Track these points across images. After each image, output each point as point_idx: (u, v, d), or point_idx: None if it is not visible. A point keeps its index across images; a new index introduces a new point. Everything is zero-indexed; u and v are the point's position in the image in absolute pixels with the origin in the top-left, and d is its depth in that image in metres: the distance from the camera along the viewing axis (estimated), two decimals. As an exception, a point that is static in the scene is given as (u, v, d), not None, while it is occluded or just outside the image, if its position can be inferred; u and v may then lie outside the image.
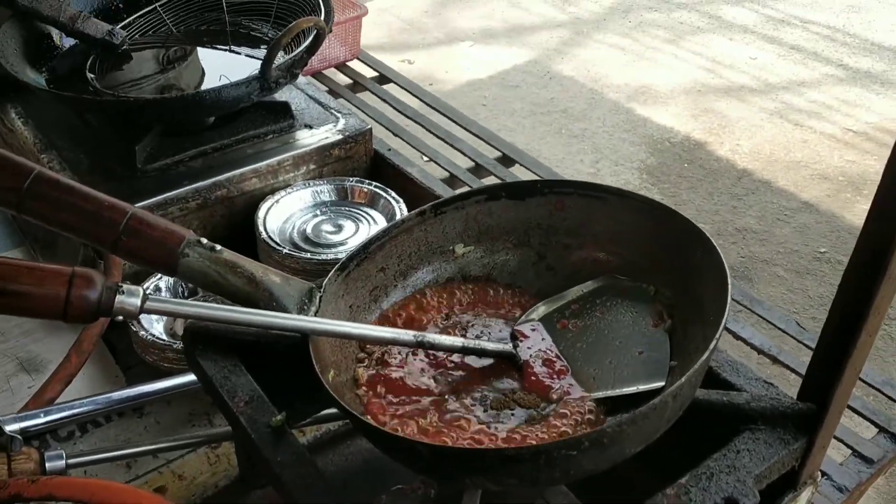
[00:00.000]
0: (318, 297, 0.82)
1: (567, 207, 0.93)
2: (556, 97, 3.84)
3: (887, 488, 2.07)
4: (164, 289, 1.17)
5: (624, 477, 0.84)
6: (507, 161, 1.61)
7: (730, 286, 0.76)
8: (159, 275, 1.17)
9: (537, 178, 1.60)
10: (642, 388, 0.79)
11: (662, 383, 0.79)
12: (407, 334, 0.80)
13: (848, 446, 1.09)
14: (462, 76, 3.98)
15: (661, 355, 0.82)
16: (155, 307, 0.76)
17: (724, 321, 0.73)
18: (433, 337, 0.80)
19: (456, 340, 0.81)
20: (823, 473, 1.06)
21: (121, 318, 0.65)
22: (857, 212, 3.17)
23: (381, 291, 0.89)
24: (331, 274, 0.84)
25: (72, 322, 0.73)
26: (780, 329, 1.27)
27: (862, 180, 3.32)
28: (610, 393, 0.80)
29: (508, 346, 0.83)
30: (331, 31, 1.19)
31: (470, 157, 1.61)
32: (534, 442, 0.74)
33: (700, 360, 0.70)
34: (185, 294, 1.18)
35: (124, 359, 1.16)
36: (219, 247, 0.80)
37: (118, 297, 0.73)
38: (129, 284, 0.75)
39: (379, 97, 1.83)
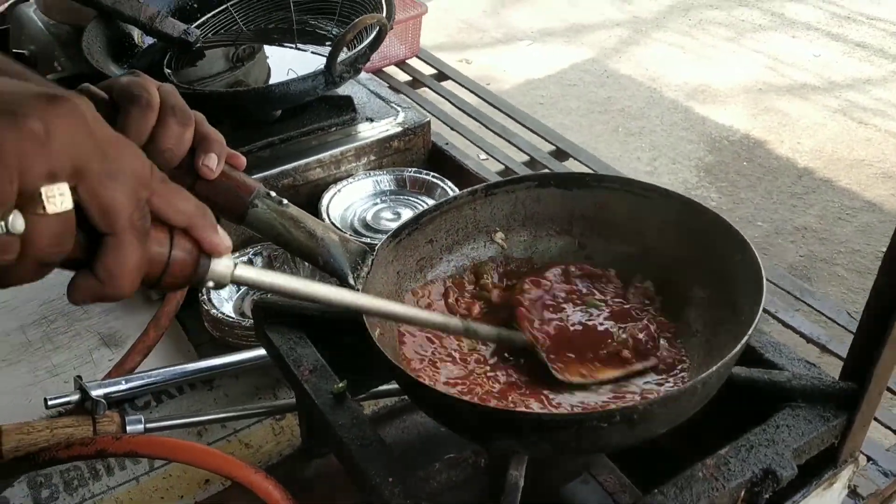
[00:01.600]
0: (370, 260, 0.86)
1: (612, 202, 0.96)
2: (613, 96, 3.86)
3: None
4: (233, 271, 1.24)
5: (669, 451, 0.88)
6: (561, 155, 1.65)
7: (764, 289, 0.78)
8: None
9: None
10: None
11: None
12: (455, 321, 0.84)
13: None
14: (520, 75, 4.03)
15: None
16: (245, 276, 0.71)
17: (757, 318, 0.75)
18: (477, 325, 0.86)
19: (492, 331, 0.86)
20: (869, 458, 1.08)
21: (212, 284, 0.66)
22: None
23: (427, 262, 0.94)
24: (384, 240, 0.90)
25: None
26: (830, 319, 1.28)
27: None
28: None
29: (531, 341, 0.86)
30: (391, 28, 1.24)
31: (525, 152, 1.66)
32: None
33: (732, 351, 0.73)
34: (253, 276, 1.25)
35: (195, 336, 1.23)
36: (286, 201, 0.82)
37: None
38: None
39: (437, 93, 1.88)
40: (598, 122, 3.71)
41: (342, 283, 0.86)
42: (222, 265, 0.63)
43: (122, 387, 1.01)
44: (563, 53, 4.20)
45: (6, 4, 1.93)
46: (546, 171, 1.59)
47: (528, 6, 4.67)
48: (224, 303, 1.21)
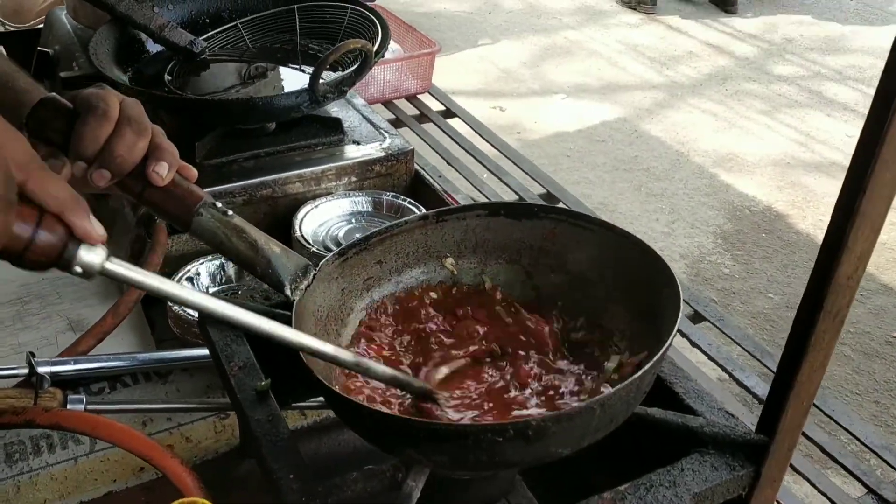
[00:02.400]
0: (311, 275, 0.89)
1: (559, 233, 0.99)
2: (640, 155, 3.88)
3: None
4: (203, 273, 1.28)
5: (593, 488, 0.89)
6: (550, 198, 1.68)
7: (680, 315, 0.80)
8: (201, 260, 1.28)
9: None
10: None
11: None
12: (346, 354, 0.81)
13: (832, 502, 1.09)
14: (550, 127, 4.07)
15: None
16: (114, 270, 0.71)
17: (665, 347, 0.76)
18: (369, 363, 0.83)
19: (387, 370, 0.83)
20: (800, 523, 1.07)
21: (80, 270, 0.67)
22: (935, 301, 3.06)
23: (375, 282, 0.97)
24: (329, 256, 0.92)
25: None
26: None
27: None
28: None
29: (429, 388, 0.86)
30: (382, 56, 1.29)
31: (515, 191, 1.68)
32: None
33: (634, 376, 0.74)
34: (222, 280, 1.29)
35: (161, 333, 1.27)
36: (231, 212, 0.87)
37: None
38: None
39: (441, 128, 1.93)
40: (621, 180, 3.72)
41: (279, 292, 0.89)
42: (92, 254, 0.66)
43: (70, 367, 1.05)
44: (595, 110, 4.24)
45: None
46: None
47: (567, 62, 4.73)
48: (190, 302, 1.25)
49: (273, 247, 0.89)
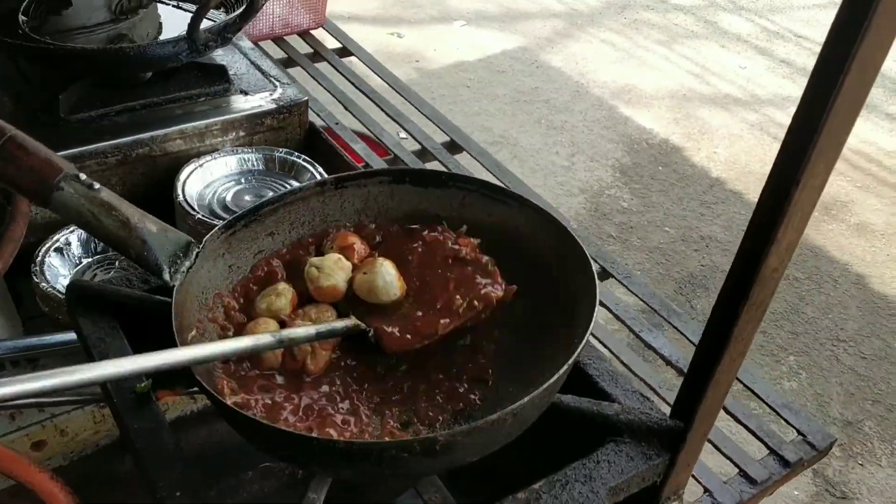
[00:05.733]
0: (194, 253, 0.80)
1: (468, 204, 0.92)
2: (540, 87, 3.82)
3: None
4: (75, 242, 1.16)
5: (505, 471, 0.85)
6: (454, 148, 1.60)
7: (593, 321, 0.75)
8: (72, 227, 1.16)
9: (479, 167, 1.59)
10: None
11: None
12: (265, 338, 0.75)
13: (735, 464, 1.10)
14: (450, 56, 3.96)
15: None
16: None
17: (578, 350, 0.72)
18: (289, 332, 0.77)
19: (310, 330, 0.78)
20: (705, 489, 1.07)
21: None
22: (823, 231, 3.17)
23: (266, 256, 0.88)
24: (214, 231, 0.83)
25: None
26: (693, 344, 1.27)
27: (832, 201, 3.33)
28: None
29: (353, 321, 0.81)
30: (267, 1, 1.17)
31: (418, 140, 1.60)
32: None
33: (545, 384, 0.69)
34: (97, 249, 1.17)
35: (28, 309, 1.15)
36: (98, 185, 0.76)
37: None
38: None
39: (337, 69, 1.81)
40: (522, 112, 3.67)
41: (157, 278, 0.79)
42: None
43: (-80, 362, 0.93)
44: (495, 38, 4.14)
45: None
46: (436, 165, 1.54)
47: (466, -14, 4.59)
48: (59, 278, 1.13)
49: (149, 224, 0.79)
